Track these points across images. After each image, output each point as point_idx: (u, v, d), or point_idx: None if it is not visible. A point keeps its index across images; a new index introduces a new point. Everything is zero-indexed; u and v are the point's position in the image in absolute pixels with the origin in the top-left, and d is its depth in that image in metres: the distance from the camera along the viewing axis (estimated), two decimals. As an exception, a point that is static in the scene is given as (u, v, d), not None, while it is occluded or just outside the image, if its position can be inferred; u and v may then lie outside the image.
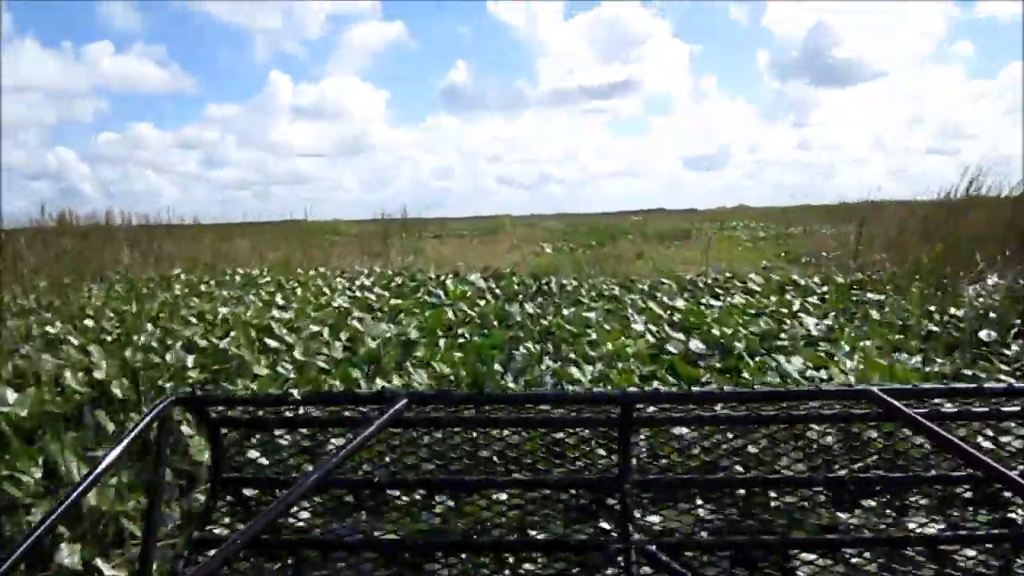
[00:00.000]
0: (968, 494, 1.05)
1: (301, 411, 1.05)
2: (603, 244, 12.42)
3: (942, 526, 0.99)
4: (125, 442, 0.86)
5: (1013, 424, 1.04)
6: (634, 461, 1.06)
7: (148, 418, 0.90)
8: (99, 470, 0.82)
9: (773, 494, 1.05)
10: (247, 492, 1.09)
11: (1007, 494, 1.02)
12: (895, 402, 0.89)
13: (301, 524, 1.07)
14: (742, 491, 1.06)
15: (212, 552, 0.66)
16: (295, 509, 1.06)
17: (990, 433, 1.04)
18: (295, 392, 1.04)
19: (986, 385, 1.02)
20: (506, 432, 1.08)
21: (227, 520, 1.07)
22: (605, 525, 1.05)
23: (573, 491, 1.08)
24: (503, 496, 1.07)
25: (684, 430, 1.09)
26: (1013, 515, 1.01)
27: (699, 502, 1.05)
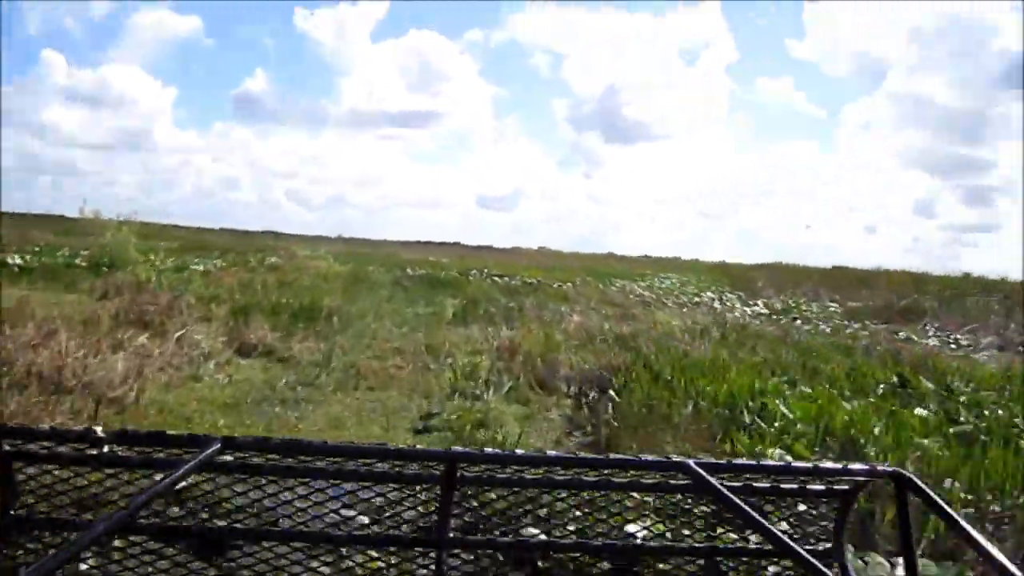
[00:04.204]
0: (770, 568, 1.59)
1: (106, 449, 1.32)
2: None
3: None
4: None
5: (823, 501, 1.62)
6: (454, 521, 1.48)
7: None
8: None
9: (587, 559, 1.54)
10: (39, 534, 1.38)
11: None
12: (706, 475, 1.29)
13: (96, 572, 1.40)
14: (560, 555, 1.54)
15: None
16: (89, 554, 1.39)
17: (799, 509, 1.56)
18: (99, 429, 1.31)
19: (794, 463, 1.50)
20: (324, 484, 1.47)
21: (14, 564, 1.35)
22: None
23: (389, 548, 1.51)
24: (315, 550, 1.50)
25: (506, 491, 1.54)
26: None
27: (514, 564, 1.52)
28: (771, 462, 1.61)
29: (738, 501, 1.27)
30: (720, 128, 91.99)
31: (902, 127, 78.96)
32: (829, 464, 1.57)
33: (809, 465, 1.51)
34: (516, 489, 1.56)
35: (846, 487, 1.63)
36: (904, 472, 1.42)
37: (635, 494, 1.66)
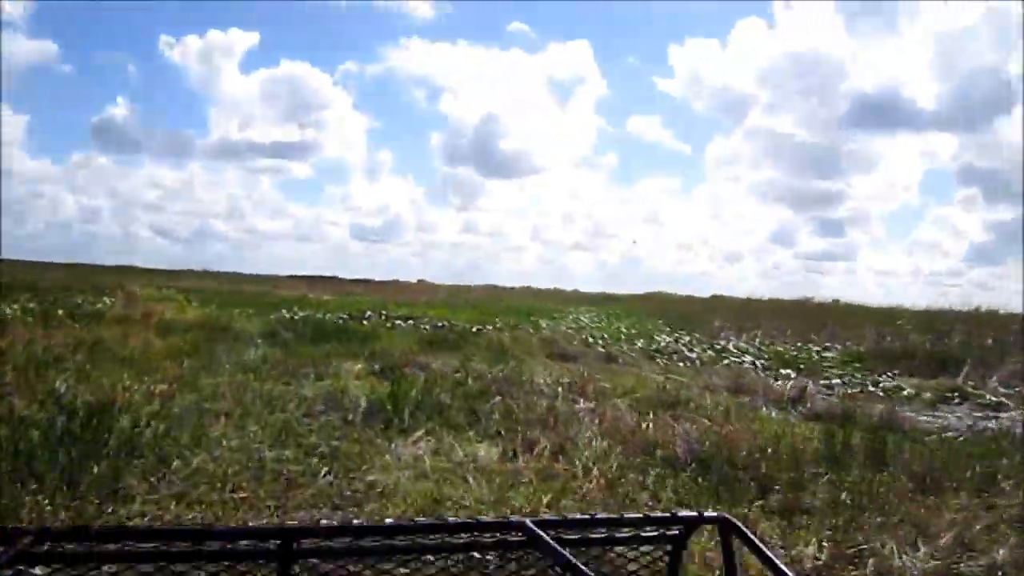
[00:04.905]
0: None
1: None
2: None
3: None
4: None
5: (651, 547, 1.67)
6: None
7: None
8: None
9: None
10: None
11: None
12: (540, 532, 1.44)
13: None
14: None
15: None
16: None
17: (633, 556, 1.66)
18: None
19: (627, 515, 1.62)
20: (151, 568, 1.39)
21: None
22: None
23: None
24: None
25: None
26: None
27: None
28: (604, 515, 1.65)
29: (567, 555, 1.35)
30: (592, 162, 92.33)
31: (761, 162, 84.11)
32: (659, 513, 1.67)
33: (640, 515, 1.63)
34: (356, 558, 1.53)
35: (676, 533, 1.66)
36: (729, 517, 1.57)
37: (475, 554, 1.62)
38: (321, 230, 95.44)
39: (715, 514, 1.60)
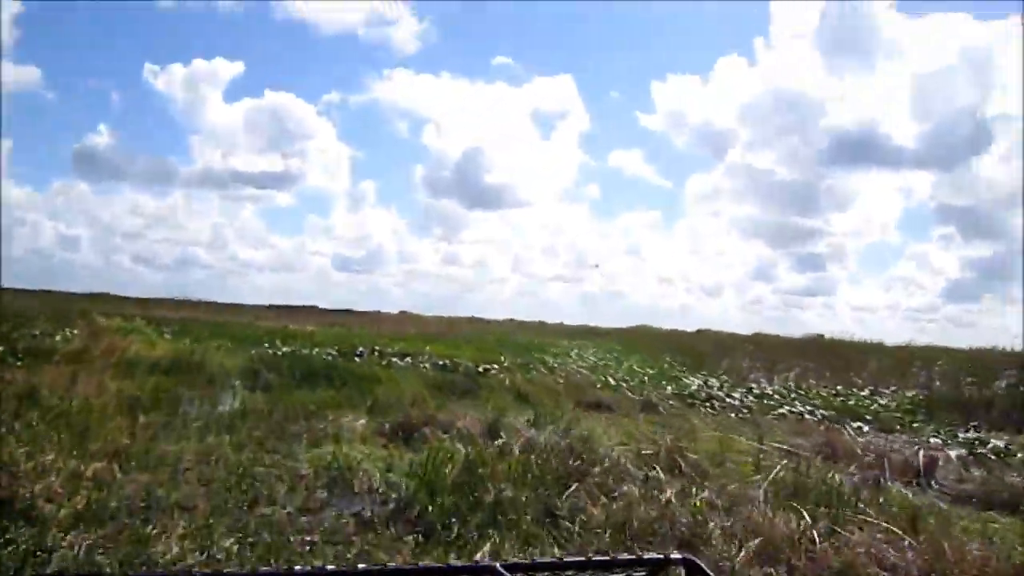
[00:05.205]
0: None
1: None
2: None
3: None
4: None
5: None
6: None
7: None
8: None
9: None
10: None
11: None
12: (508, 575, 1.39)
13: None
14: None
15: None
16: None
17: None
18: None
19: (594, 557, 1.58)
20: None
21: None
22: None
23: None
24: None
25: None
26: None
27: None
28: (572, 558, 1.63)
29: None
30: (574, 195, 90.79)
31: (742, 198, 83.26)
32: (626, 555, 1.64)
33: (608, 558, 1.57)
34: None
35: (643, 574, 1.62)
36: (694, 559, 1.53)
37: None
38: (303, 259, 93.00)
39: (679, 556, 1.56)
